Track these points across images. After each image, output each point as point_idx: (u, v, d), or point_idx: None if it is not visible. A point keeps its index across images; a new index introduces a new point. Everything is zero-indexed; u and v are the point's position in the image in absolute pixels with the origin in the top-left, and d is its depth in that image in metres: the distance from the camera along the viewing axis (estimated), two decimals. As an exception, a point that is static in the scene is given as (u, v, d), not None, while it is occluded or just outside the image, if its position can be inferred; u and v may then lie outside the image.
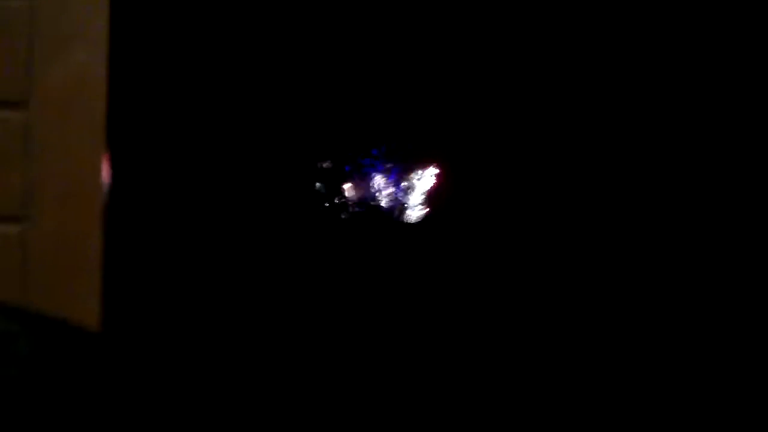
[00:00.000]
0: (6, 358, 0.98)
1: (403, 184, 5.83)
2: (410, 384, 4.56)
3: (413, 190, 5.90)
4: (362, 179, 5.72)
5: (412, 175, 5.81)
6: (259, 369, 4.20)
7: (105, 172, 2.14)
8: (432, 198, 5.80)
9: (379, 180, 5.82)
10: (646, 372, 4.74)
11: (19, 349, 1.00)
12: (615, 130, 5.10)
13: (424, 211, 5.82)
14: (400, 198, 5.89)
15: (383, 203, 5.87)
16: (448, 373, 4.69)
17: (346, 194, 5.46)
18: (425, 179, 5.82)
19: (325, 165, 5.40)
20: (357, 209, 5.66)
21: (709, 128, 5.05)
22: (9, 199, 2.10)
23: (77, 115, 2.09)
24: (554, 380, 4.72)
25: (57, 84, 2.05)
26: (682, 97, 5.08)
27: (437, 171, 5.64)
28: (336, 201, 5.52)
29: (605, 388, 4.67)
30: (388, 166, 5.74)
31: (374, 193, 5.82)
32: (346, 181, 5.45)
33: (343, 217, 5.59)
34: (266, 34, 4.14)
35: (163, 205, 3.44)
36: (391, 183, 5.81)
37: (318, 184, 5.30)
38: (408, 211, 5.89)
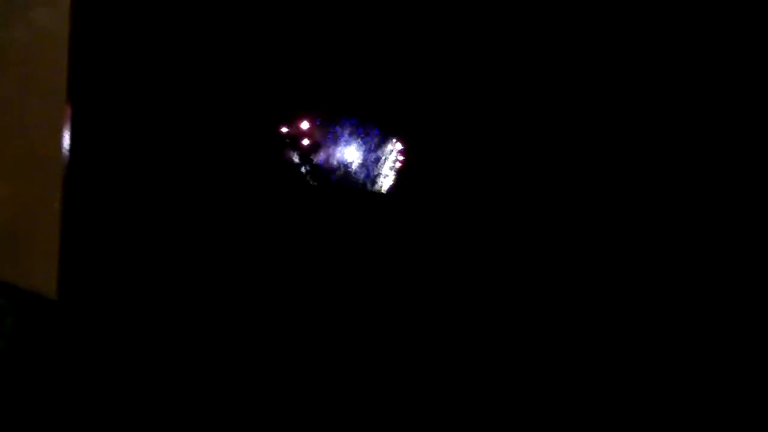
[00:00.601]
0: None
1: (373, 154, 5.80)
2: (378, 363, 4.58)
3: (383, 161, 5.88)
4: (332, 148, 5.69)
5: (384, 145, 5.79)
6: (214, 337, 4.18)
7: (66, 136, 2.10)
8: (403, 170, 5.79)
9: (349, 149, 5.79)
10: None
11: (6, 324, 1.01)
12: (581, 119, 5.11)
13: (393, 183, 5.81)
14: (370, 168, 5.87)
15: (353, 173, 5.85)
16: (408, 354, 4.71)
17: (316, 162, 5.43)
18: (396, 151, 5.81)
19: (292, 130, 5.36)
20: (326, 178, 5.63)
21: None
22: (-35, 162, 2.05)
23: (38, 76, 2.04)
24: (542, 376, 4.73)
25: (16, 44, 1.99)
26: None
27: (409, 142, 5.63)
28: (304, 169, 5.48)
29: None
30: (359, 134, 5.72)
31: (344, 163, 5.79)
32: (316, 150, 5.41)
33: (311, 185, 5.56)
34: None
35: (127, 171, 3.38)
36: (362, 152, 5.78)
37: (286, 151, 5.26)
38: (377, 183, 5.88)
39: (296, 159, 5.53)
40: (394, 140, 5.66)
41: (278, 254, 4.88)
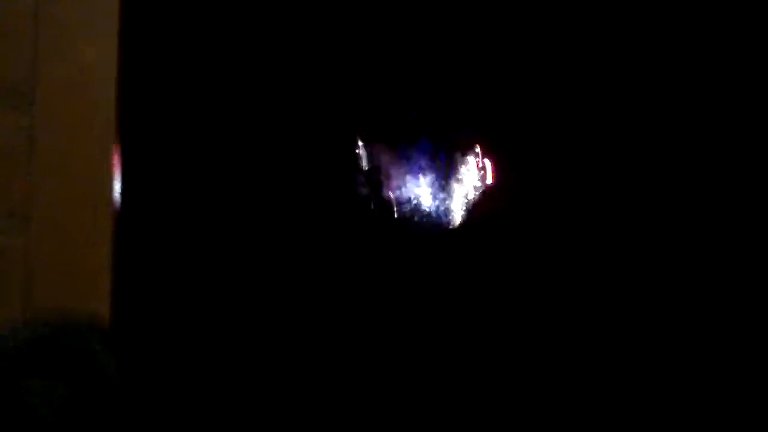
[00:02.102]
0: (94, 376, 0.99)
1: (444, 178, 5.69)
2: (448, 386, 4.52)
3: (456, 185, 5.75)
4: (401, 172, 5.59)
5: (456, 168, 5.66)
6: (275, 376, 4.13)
7: (115, 178, 2.04)
8: (477, 194, 5.67)
9: (419, 173, 5.68)
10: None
11: (105, 367, 1.00)
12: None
13: (467, 209, 5.68)
14: (441, 193, 5.75)
15: (423, 199, 5.73)
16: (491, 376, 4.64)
17: (383, 188, 5.33)
18: (469, 173, 5.67)
19: (360, 155, 5.27)
20: (394, 205, 5.53)
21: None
22: (12, 206, 2.00)
23: (85, 116, 1.99)
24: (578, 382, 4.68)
25: (63, 83, 1.94)
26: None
27: (482, 164, 5.51)
28: (372, 195, 5.39)
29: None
30: (429, 157, 5.60)
31: (413, 187, 5.68)
32: (384, 174, 5.32)
33: (378, 213, 5.46)
34: (290, 16, 4.02)
35: (178, 211, 3.34)
36: (432, 176, 5.67)
37: (354, 177, 5.18)
38: (450, 209, 5.75)
39: (361, 189, 5.44)
40: (473, 166, 5.54)
41: (343, 294, 4.81)
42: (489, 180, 5.81)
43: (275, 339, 4.20)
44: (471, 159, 5.82)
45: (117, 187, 2.06)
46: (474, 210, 5.92)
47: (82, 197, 2.04)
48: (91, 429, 0.97)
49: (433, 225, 5.93)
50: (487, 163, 5.77)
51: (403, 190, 5.90)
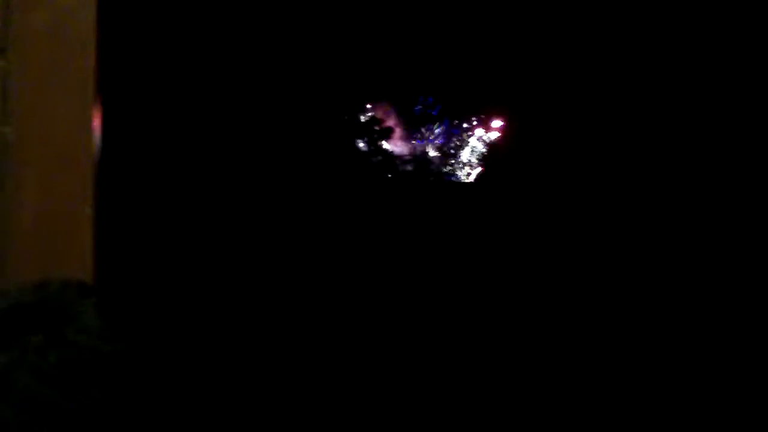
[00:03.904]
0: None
1: (452, 142, 5.59)
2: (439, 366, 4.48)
3: (463, 149, 5.66)
4: (407, 135, 5.49)
5: (463, 132, 5.56)
6: (268, 342, 4.08)
7: (96, 131, 1.95)
8: (485, 159, 5.57)
9: (425, 136, 5.58)
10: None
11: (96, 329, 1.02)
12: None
13: (474, 174, 5.59)
14: (450, 156, 5.65)
15: (430, 162, 5.64)
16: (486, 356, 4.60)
17: (389, 151, 5.24)
18: (477, 137, 5.57)
19: (365, 118, 5.17)
20: (400, 168, 5.44)
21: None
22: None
23: (62, 65, 1.89)
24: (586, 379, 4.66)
25: (39, 30, 1.84)
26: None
27: (491, 129, 5.40)
28: (377, 158, 5.29)
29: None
30: (436, 120, 5.50)
31: (419, 151, 5.58)
32: (390, 137, 5.22)
33: (384, 175, 5.37)
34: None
35: (162, 164, 3.23)
36: (438, 140, 5.57)
37: (357, 140, 5.08)
38: (455, 173, 5.66)
39: (368, 148, 5.35)
40: (477, 125, 5.43)
41: (350, 250, 4.74)
42: (492, 144, 5.74)
43: (268, 303, 4.13)
44: (476, 124, 5.74)
45: (97, 138, 1.98)
46: (477, 174, 5.86)
47: (60, 153, 1.95)
48: (86, 391, 1.00)
49: (434, 184, 5.88)
50: (492, 127, 5.69)
51: (406, 147, 5.82)
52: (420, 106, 5.18)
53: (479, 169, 5.63)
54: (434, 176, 5.74)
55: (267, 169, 4.02)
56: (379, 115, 5.30)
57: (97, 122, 1.96)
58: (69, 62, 1.87)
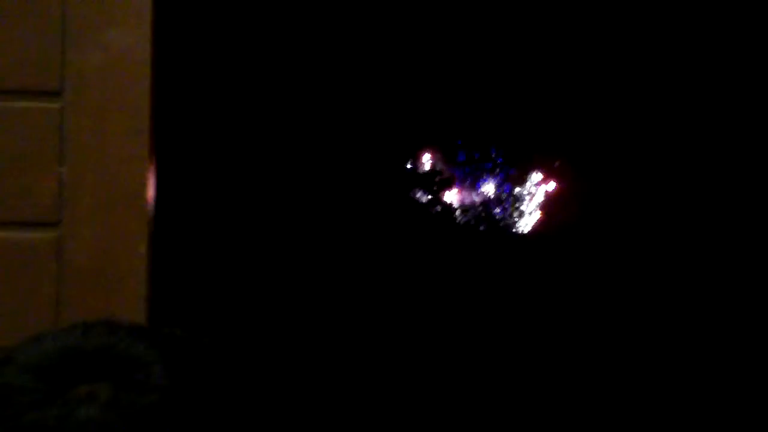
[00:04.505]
0: (142, 385, 0.96)
1: (513, 190, 5.56)
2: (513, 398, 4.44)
3: (525, 200, 5.62)
4: (466, 186, 5.47)
5: (525, 182, 5.52)
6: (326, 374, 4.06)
7: (151, 171, 1.96)
8: (547, 210, 5.53)
9: (486, 186, 5.56)
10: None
11: (155, 373, 0.98)
12: None
13: (537, 224, 5.54)
14: (509, 206, 5.61)
15: (491, 213, 5.61)
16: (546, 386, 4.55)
17: (448, 203, 5.22)
18: (539, 188, 5.53)
19: (420, 166, 5.16)
20: (460, 219, 5.41)
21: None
22: (42, 201, 1.93)
23: (118, 105, 1.91)
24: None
25: (94, 70, 1.87)
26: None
27: (552, 179, 5.35)
28: (436, 209, 5.27)
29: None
30: (496, 172, 5.47)
31: (480, 201, 5.56)
32: (448, 188, 5.20)
33: (443, 227, 5.35)
34: (342, 15, 3.91)
35: (217, 209, 3.24)
36: (499, 191, 5.55)
37: (415, 190, 5.07)
38: (518, 223, 5.61)
39: (426, 199, 5.33)
40: (538, 173, 5.38)
41: (410, 304, 4.71)
42: (552, 194, 5.70)
43: (318, 340, 4.12)
44: (535, 174, 5.71)
45: (152, 182, 1.99)
46: (538, 223, 5.82)
47: (115, 193, 1.96)
48: (139, 429, 0.94)
49: (495, 234, 5.84)
50: (552, 177, 5.65)
51: (466, 197, 5.80)
52: (479, 155, 5.18)
53: (538, 219, 5.60)
54: (493, 227, 5.70)
55: (324, 218, 4.04)
56: (439, 165, 5.32)
57: (152, 163, 1.97)
58: (124, 102, 1.89)
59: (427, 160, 4.99)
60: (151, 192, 1.98)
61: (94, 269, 1.97)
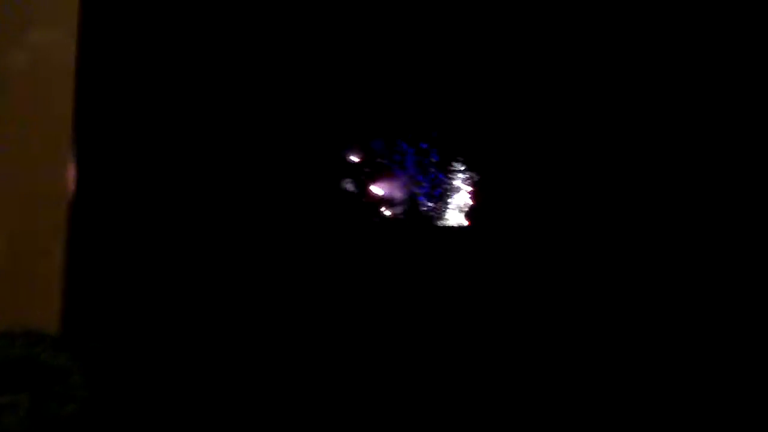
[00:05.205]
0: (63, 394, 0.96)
1: (442, 184, 5.64)
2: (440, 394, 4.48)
3: (451, 192, 5.70)
4: (392, 176, 5.53)
5: (451, 174, 5.60)
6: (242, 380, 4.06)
7: (71, 174, 1.95)
8: (473, 201, 5.63)
9: (415, 179, 5.63)
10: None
11: (75, 384, 0.97)
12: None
13: (462, 216, 5.64)
14: (439, 200, 5.70)
15: (419, 205, 5.68)
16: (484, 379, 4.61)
17: (374, 193, 5.27)
18: (465, 179, 5.62)
19: (349, 159, 5.21)
20: (386, 210, 5.46)
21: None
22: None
23: (40, 106, 1.90)
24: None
25: (17, 71, 1.85)
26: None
27: (477, 171, 5.46)
28: (362, 200, 5.32)
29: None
30: (423, 163, 5.56)
31: (405, 192, 5.62)
32: (375, 179, 5.24)
33: (369, 218, 5.40)
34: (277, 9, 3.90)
35: (139, 208, 3.23)
36: (430, 182, 5.63)
37: (340, 181, 5.10)
38: (443, 215, 5.70)
39: (355, 189, 5.36)
40: (467, 168, 5.47)
41: (335, 294, 4.74)
42: (478, 186, 5.79)
43: (245, 341, 4.11)
44: (462, 165, 5.78)
45: (71, 185, 1.98)
46: (462, 215, 5.89)
47: (32, 195, 1.95)
48: None
49: (421, 226, 5.88)
50: (477, 169, 5.74)
51: (393, 190, 5.84)
52: (410, 148, 5.22)
53: (466, 213, 5.68)
54: (422, 220, 5.77)
55: (249, 221, 4.04)
56: (368, 156, 5.34)
57: (72, 167, 1.96)
58: (46, 105, 1.88)
59: (357, 150, 5.05)
60: (68, 194, 1.97)
61: (12, 266, 1.95)
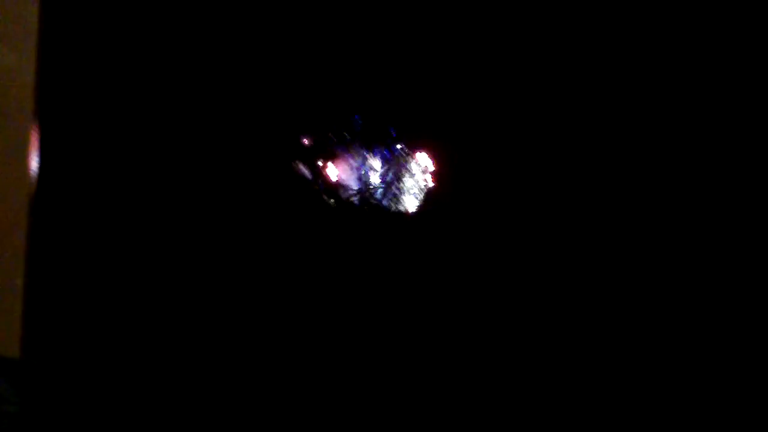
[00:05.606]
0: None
1: (397, 169, 5.65)
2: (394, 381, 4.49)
3: (404, 178, 5.72)
4: (345, 162, 5.54)
5: (410, 159, 5.62)
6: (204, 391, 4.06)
7: (30, 186, 1.97)
8: (428, 189, 5.65)
9: (370, 163, 5.64)
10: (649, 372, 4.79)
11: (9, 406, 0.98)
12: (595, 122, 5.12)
13: (417, 203, 5.66)
14: (393, 185, 5.71)
15: (374, 190, 5.69)
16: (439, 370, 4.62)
17: (329, 178, 5.27)
18: (419, 167, 5.64)
19: (303, 144, 5.21)
20: (342, 196, 5.47)
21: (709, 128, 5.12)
22: None
23: (1, 123, 1.91)
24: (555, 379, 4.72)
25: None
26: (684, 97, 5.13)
27: (432, 159, 5.48)
28: (317, 185, 5.32)
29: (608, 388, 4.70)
30: (382, 146, 5.57)
31: (359, 178, 5.64)
32: (328, 164, 5.24)
33: (325, 204, 5.40)
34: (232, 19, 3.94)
35: (97, 217, 3.24)
36: (384, 167, 5.64)
37: (295, 166, 5.10)
38: (401, 203, 5.72)
39: (308, 174, 5.36)
40: (422, 153, 5.48)
41: (289, 283, 4.74)
42: (434, 174, 5.82)
43: (205, 348, 4.11)
44: (418, 154, 5.80)
45: (31, 202, 1.99)
46: (419, 203, 5.91)
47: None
48: None
49: (377, 214, 5.90)
50: (433, 157, 5.76)
51: (350, 177, 5.86)
52: (362, 129, 5.21)
53: (421, 198, 5.69)
54: (375, 206, 5.77)
55: (206, 209, 4.05)
56: (325, 140, 5.33)
57: (33, 180, 1.98)
58: (7, 121, 1.90)
59: (312, 134, 5.03)
60: (30, 216, 1.98)
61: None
